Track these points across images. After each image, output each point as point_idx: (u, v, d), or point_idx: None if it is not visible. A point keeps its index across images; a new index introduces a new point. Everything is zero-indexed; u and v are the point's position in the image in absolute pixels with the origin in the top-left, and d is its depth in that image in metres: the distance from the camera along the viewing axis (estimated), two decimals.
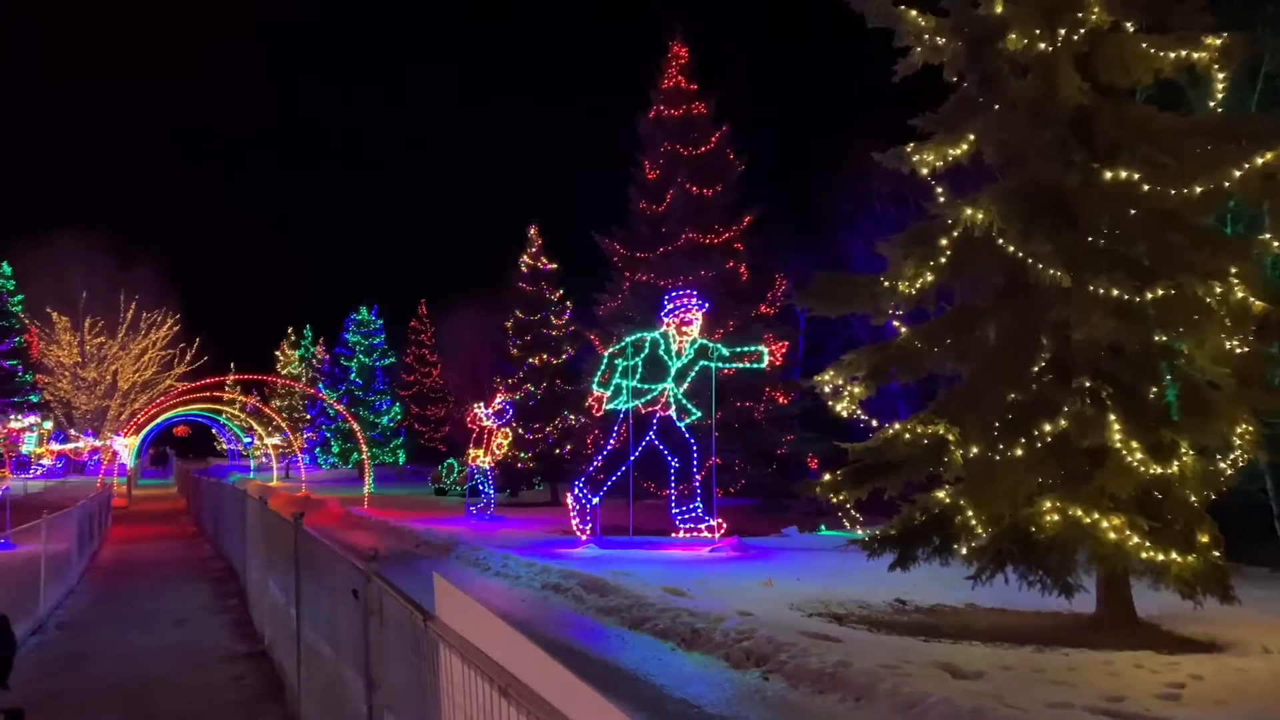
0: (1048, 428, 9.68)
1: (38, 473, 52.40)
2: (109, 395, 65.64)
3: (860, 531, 11.89)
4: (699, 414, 17.18)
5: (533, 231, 35.22)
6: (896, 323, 11.89)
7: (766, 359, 16.90)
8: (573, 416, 34.06)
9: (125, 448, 49.48)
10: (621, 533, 17.67)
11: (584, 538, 17.12)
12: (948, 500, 10.44)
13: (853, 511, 11.59)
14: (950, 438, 10.51)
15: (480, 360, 63.46)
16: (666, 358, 17.03)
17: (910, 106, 11.89)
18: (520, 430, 31.06)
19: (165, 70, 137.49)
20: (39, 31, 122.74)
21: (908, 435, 10.81)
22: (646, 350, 17.07)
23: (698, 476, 17.29)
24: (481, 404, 27.26)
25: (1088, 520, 9.57)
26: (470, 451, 25.86)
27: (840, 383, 12.08)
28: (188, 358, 67.26)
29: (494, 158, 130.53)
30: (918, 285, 10.90)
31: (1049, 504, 9.95)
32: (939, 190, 12.00)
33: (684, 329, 16.91)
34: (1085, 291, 9.79)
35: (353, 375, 50.44)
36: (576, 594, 12.04)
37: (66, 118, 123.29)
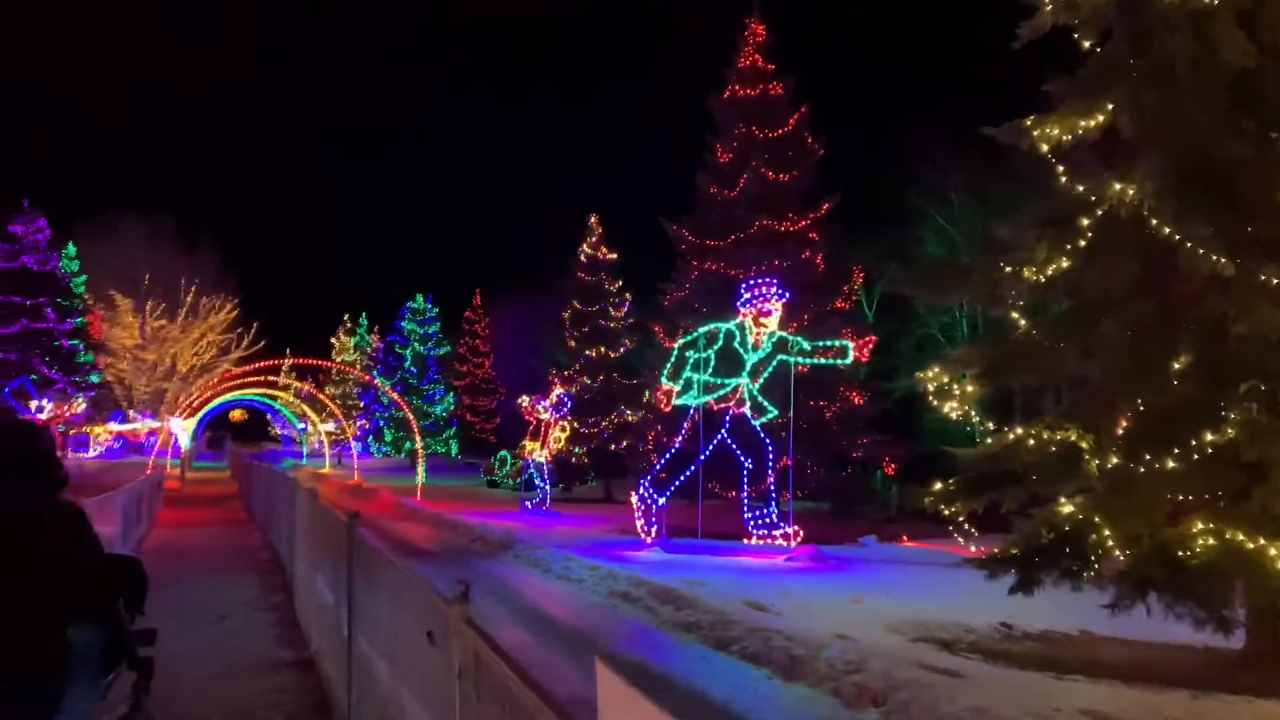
0: (1210, 436, 8.34)
1: (96, 452, 52.93)
2: (168, 378, 66.22)
3: (972, 547, 10.63)
4: (775, 412, 16.01)
5: (593, 220, 34.31)
6: (1015, 314, 10.61)
7: (851, 355, 15.66)
8: (629, 411, 33.12)
9: (182, 430, 49.66)
10: (688, 536, 16.58)
11: (649, 540, 16.06)
12: (1080, 515, 9.15)
13: (966, 525, 10.31)
14: (1084, 445, 9.24)
15: (532, 352, 62.98)
16: (742, 350, 15.88)
17: (992, 96, 10.65)
18: (575, 424, 30.13)
19: (224, 58, 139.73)
20: (99, 21, 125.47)
21: (1032, 441, 9.55)
22: (720, 342, 15.94)
23: (772, 479, 16.12)
24: (536, 395, 26.36)
25: (1251, 545, 8.25)
26: (526, 444, 24.95)
27: (946, 380, 10.86)
28: (245, 342, 67.58)
29: (552, 146, 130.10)
30: (1049, 271, 9.62)
31: (1200, 524, 8.64)
32: (1060, 170, 10.75)
33: (762, 320, 15.74)
34: (1252, 281, 8.45)
35: (407, 363, 50.02)
36: (648, 604, 10.97)
37: (129, 104, 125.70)
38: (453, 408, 52.42)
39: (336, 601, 8.23)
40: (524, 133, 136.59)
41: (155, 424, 62.57)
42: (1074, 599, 9.91)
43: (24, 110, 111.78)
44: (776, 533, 15.78)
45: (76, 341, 44.02)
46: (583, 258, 34.15)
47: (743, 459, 16.27)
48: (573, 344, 34.14)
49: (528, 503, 24.40)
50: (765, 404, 15.90)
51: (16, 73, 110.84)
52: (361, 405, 62.84)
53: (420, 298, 51.90)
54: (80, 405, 18.47)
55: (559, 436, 25.18)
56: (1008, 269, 9.99)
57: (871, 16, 73.83)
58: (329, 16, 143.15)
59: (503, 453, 38.25)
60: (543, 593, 12.29)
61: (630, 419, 32.73)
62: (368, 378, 51.77)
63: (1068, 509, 9.50)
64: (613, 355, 33.56)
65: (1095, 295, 10.47)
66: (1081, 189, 9.60)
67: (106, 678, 3.92)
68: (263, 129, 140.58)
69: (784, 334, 15.95)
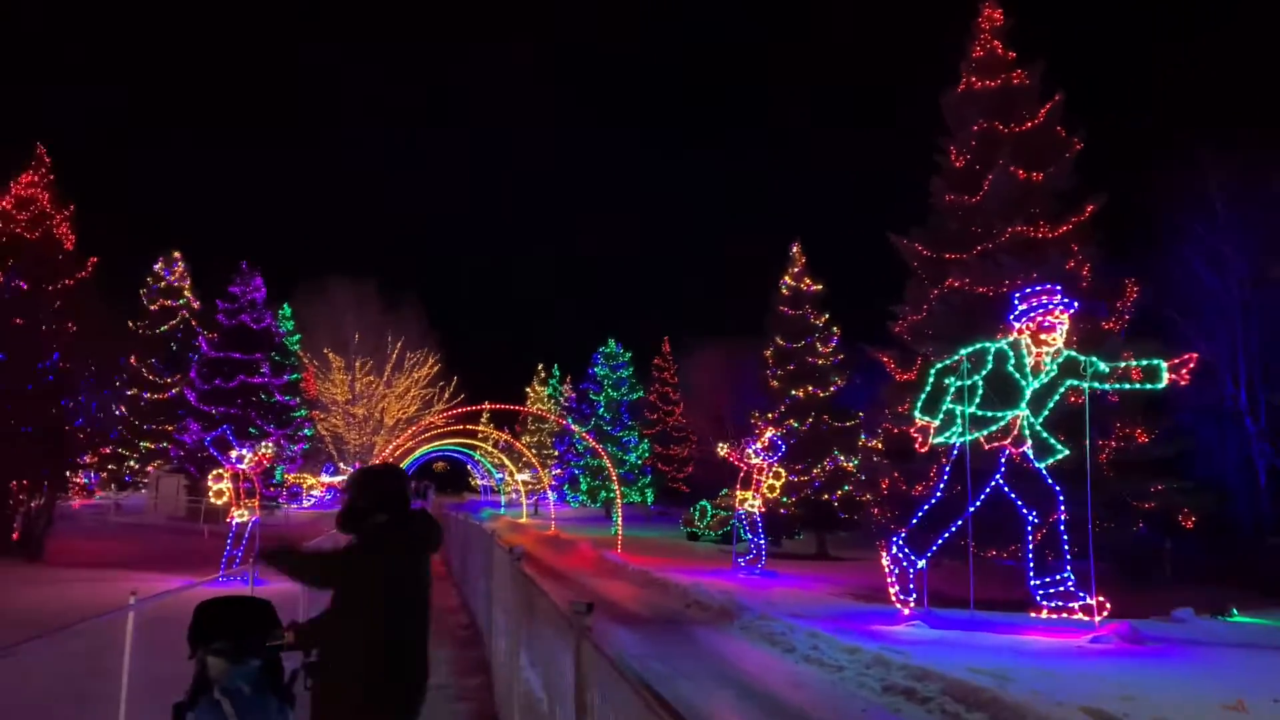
0: None
1: (310, 503, 54.81)
2: (377, 431, 68.63)
3: None
4: (1066, 451, 12.81)
5: (795, 250, 31.81)
6: None
7: (1165, 377, 12.30)
8: (843, 456, 30.06)
9: None
10: (955, 605, 13.53)
11: (907, 611, 13.13)
12: None
13: None
14: None
15: (723, 398, 60.69)
16: (1018, 375, 12.84)
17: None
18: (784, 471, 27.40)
19: (414, 122, 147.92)
20: (301, 96, 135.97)
21: None
22: (990, 365, 12.97)
23: (1065, 536, 12.85)
24: (745, 438, 23.87)
25: None
26: (738, 493, 22.45)
27: None
28: (446, 395, 69.21)
29: (733, 188, 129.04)
30: None
31: None
32: None
33: (1043, 337, 12.68)
34: None
35: (601, 410, 48.82)
36: (948, 709, 8.16)
37: (334, 175, 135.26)
38: (647, 455, 50.69)
39: (551, 696, 6.15)
40: (704, 170, 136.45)
41: None
42: None
43: (241, 181, 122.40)
44: (1075, 604, 12.49)
45: (290, 396, 45.53)
46: (784, 290, 31.66)
47: (1026, 512, 13.12)
48: (775, 384, 31.55)
49: (740, 559, 21.83)
50: (1052, 441, 12.74)
51: (233, 148, 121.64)
52: (556, 454, 62.50)
53: (612, 342, 50.89)
54: (268, 450, 18.03)
55: (772, 484, 22.54)
56: None
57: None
58: (510, 80, 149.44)
59: (703, 502, 35.95)
60: (793, 682, 9.70)
61: (846, 465, 29.67)
62: (564, 422, 51.04)
63: None
64: (821, 395, 30.71)
65: None
66: None
67: None
68: (454, 189, 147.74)
69: (1074, 353, 12.78)
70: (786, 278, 31.67)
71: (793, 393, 30.71)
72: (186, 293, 52.03)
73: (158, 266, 51.85)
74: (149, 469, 47.25)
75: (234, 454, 18.83)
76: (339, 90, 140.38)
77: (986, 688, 8.28)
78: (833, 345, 31.22)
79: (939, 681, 8.79)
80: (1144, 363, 12.53)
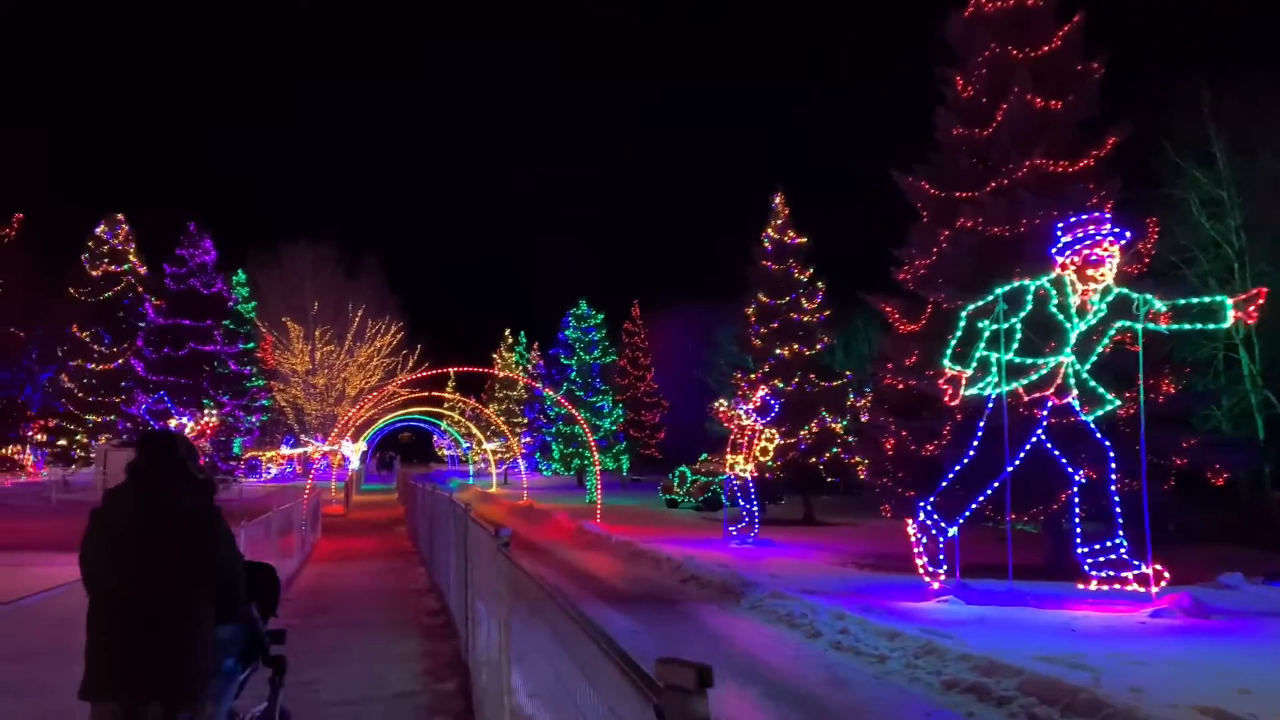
0: None
1: (267, 476, 52.66)
2: (338, 402, 66.43)
3: None
4: (1116, 402, 11.35)
5: (778, 201, 30.11)
6: None
7: (1231, 316, 10.85)
8: (830, 417, 28.68)
9: (351, 452, 48.53)
10: (990, 575, 12.09)
11: (937, 585, 11.67)
12: None
13: None
14: None
15: (695, 362, 59.24)
16: (1062, 316, 11.33)
17: None
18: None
19: (386, 82, 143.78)
20: (283, 64, 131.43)
21: None
22: (1029, 306, 11.44)
23: (1116, 498, 11.43)
24: (735, 398, 22.33)
25: None
26: (728, 457, 20.90)
27: None
28: (410, 364, 67.08)
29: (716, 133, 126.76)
30: None
31: None
32: None
33: (1090, 273, 11.16)
34: None
35: (572, 374, 47.02)
36: (1036, 714, 6.64)
37: (298, 139, 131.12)
38: (621, 420, 49.09)
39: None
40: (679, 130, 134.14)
41: (326, 447, 62.68)
42: None
43: (195, 144, 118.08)
44: (1129, 574, 11.08)
45: (245, 365, 43.24)
46: (767, 244, 29.97)
47: (1072, 471, 11.67)
48: (758, 342, 30.00)
49: (732, 528, 20.32)
50: (1102, 391, 11.26)
51: (186, 108, 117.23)
52: (526, 421, 60.76)
53: (584, 303, 48.98)
54: (212, 418, 16.26)
55: (765, 447, 21.01)
56: None
57: None
58: (491, 36, 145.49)
59: (682, 468, 34.45)
60: (829, 677, 8.15)
61: (834, 426, 28.27)
62: (535, 385, 49.26)
63: None
64: (807, 353, 29.22)
65: None
66: None
67: (241, 675, 4.02)
68: (417, 150, 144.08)
69: (1125, 290, 11.28)
70: (769, 230, 29.99)
71: (777, 351, 29.19)
72: (131, 257, 49.27)
73: (99, 230, 48.96)
74: (97, 443, 44.87)
75: (173, 423, 16.94)
76: (293, 43, 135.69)
77: (1081, 686, 6.77)
78: (818, 301, 29.72)
79: (1011, 676, 7.28)
80: (1205, 299, 11.06)
